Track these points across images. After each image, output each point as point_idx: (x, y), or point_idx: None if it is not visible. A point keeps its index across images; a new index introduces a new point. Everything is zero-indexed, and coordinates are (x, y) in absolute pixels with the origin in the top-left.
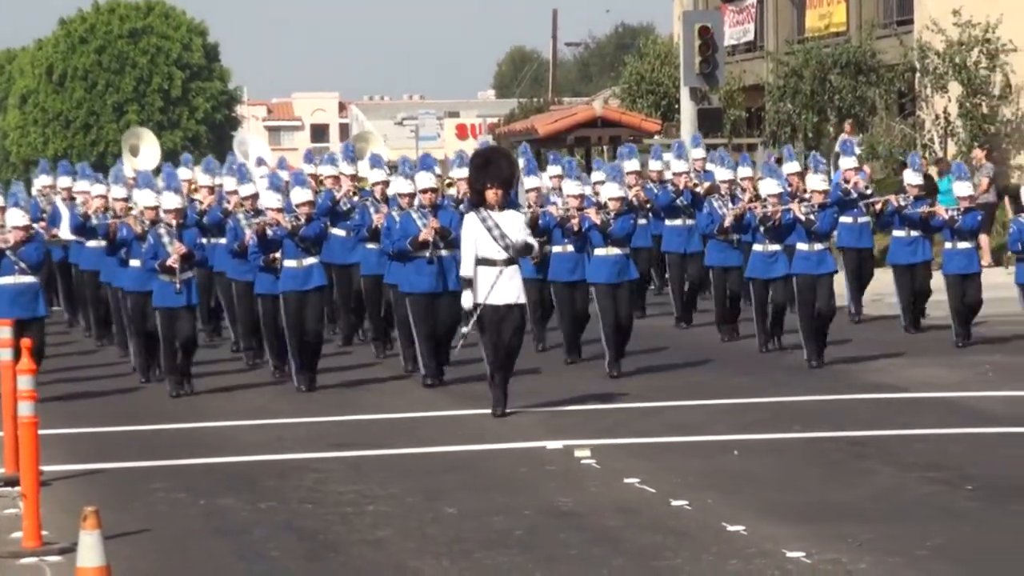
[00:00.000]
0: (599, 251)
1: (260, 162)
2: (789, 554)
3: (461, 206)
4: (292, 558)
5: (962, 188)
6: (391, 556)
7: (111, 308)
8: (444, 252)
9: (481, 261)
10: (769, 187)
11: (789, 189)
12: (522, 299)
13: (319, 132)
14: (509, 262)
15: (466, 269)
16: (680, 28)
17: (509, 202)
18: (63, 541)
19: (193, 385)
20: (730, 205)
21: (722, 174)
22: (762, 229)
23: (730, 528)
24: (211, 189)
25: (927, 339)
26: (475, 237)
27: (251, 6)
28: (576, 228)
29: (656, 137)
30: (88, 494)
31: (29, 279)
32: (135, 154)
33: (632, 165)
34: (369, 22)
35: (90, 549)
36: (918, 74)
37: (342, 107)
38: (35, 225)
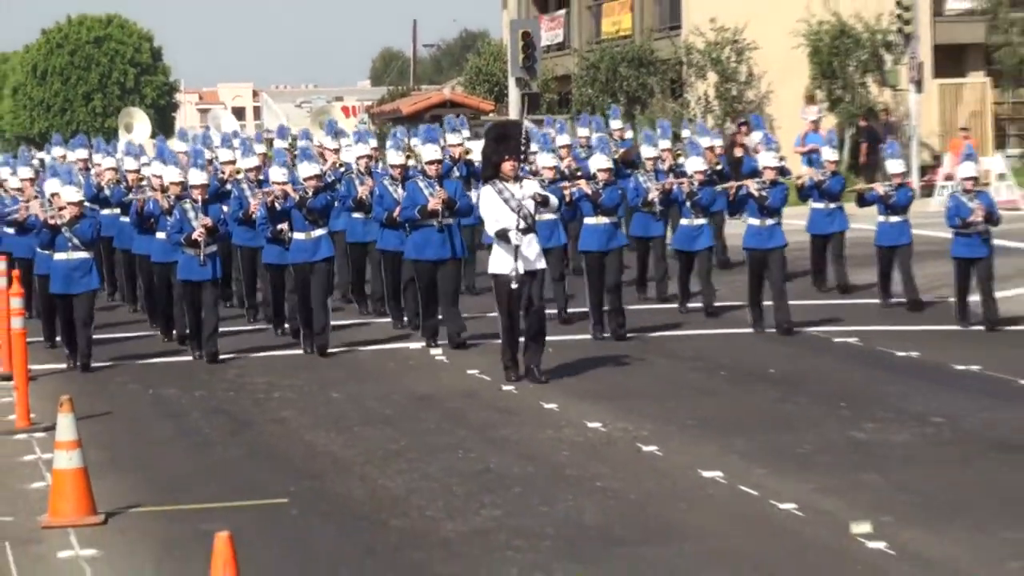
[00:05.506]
0: (589, 220)
1: (235, 135)
2: (590, 424)
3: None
4: (219, 433)
5: (695, 164)
6: (292, 431)
7: (121, 269)
8: (449, 220)
9: (499, 232)
10: (695, 164)
11: (708, 166)
12: (542, 263)
13: (238, 113)
14: (526, 231)
15: (491, 228)
16: (508, 33)
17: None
18: (46, 422)
19: (217, 346)
20: (654, 180)
21: (647, 152)
22: (688, 204)
23: (546, 406)
24: (208, 163)
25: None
26: (494, 208)
27: (188, 16)
28: (568, 199)
29: (491, 115)
30: (65, 386)
31: (83, 254)
32: (129, 131)
33: (563, 139)
34: (277, 27)
35: (66, 428)
36: (685, 66)
37: (255, 93)
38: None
